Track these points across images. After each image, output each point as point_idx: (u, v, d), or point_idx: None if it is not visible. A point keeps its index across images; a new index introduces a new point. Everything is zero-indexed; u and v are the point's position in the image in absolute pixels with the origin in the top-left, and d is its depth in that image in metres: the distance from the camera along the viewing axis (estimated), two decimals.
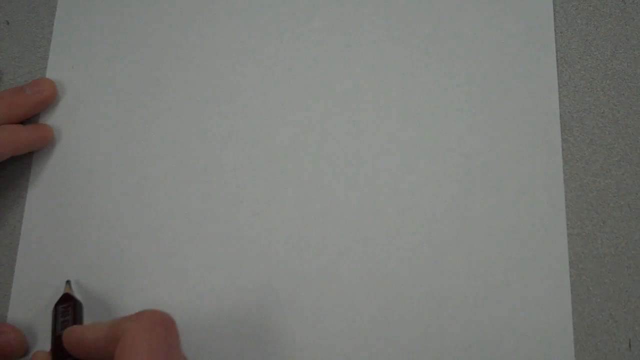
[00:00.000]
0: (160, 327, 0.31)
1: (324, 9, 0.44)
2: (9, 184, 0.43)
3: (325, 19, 0.44)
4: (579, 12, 0.43)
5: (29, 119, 0.44)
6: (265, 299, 0.39)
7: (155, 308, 0.32)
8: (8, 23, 0.47)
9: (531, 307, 0.38)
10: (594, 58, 0.42)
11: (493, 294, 0.38)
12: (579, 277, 0.38)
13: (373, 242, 0.40)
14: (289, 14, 0.44)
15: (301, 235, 0.40)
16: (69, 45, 0.46)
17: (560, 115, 0.41)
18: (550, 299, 0.38)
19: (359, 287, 0.39)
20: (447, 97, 0.41)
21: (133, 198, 0.42)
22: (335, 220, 0.40)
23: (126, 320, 0.31)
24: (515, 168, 0.40)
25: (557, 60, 0.41)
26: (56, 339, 0.36)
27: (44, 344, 0.40)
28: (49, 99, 0.44)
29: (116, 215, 0.42)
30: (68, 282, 0.40)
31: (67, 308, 0.37)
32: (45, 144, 0.43)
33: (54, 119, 0.44)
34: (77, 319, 0.37)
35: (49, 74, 0.45)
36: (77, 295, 0.39)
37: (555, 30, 0.42)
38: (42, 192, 0.43)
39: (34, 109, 0.43)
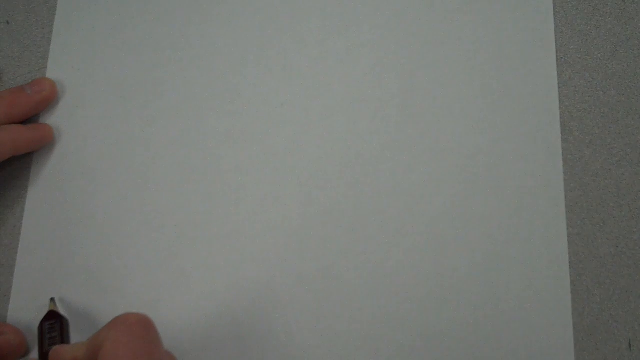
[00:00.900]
0: (137, 327, 0.31)
1: (324, 9, 0.44)
2: (9, 184, 0.43)
3: (325, 19, 0.44)
4: (579, 12, 0.43)
5: (29, 119, 0.44)
6: (265, 299, 0.39)
7: (129, 311, 0.32)
8: (8, 23, 0.47)
9: (531, 307, 0.38)
10: (594, 58, 0.42)
11: (493, 294, 0.38)
12: (579, 277, 0.38)
13: (373, 242, 0.40)
14: (289, 14, 0.44)
15: (301, 235, 0.40)
16: (69, 45, 0.46)
17: (560, 115, 0.41)
18: (550, 299, 0.38)
19: (359, 287, 0.39)
20: (447, 97, 0.41)
21: (133, 198, 0.42)
22: (335, 220, 0.40)
23: (103, 330, 0.31)
24: (515, 168, 0.40)
25: (557, 60, 0.41)
26: (44, 355, 0.36)
27: None
28: (49, 98, 0.44)
29: (116, 215, 0.42)
30: (52, 299, 0.40)
31: (54, 325, 0.38)
32: (45, 144, 0.43)
33: (54, 119, 0.44)
34: (64, 335, 0.38)
35: (49, 74, 0.45)
36: (77, 295, 0.39)
37: (555, 30, 0.42)
38: (42, 192, 0.43)
39: (34, 108, 0.43)
